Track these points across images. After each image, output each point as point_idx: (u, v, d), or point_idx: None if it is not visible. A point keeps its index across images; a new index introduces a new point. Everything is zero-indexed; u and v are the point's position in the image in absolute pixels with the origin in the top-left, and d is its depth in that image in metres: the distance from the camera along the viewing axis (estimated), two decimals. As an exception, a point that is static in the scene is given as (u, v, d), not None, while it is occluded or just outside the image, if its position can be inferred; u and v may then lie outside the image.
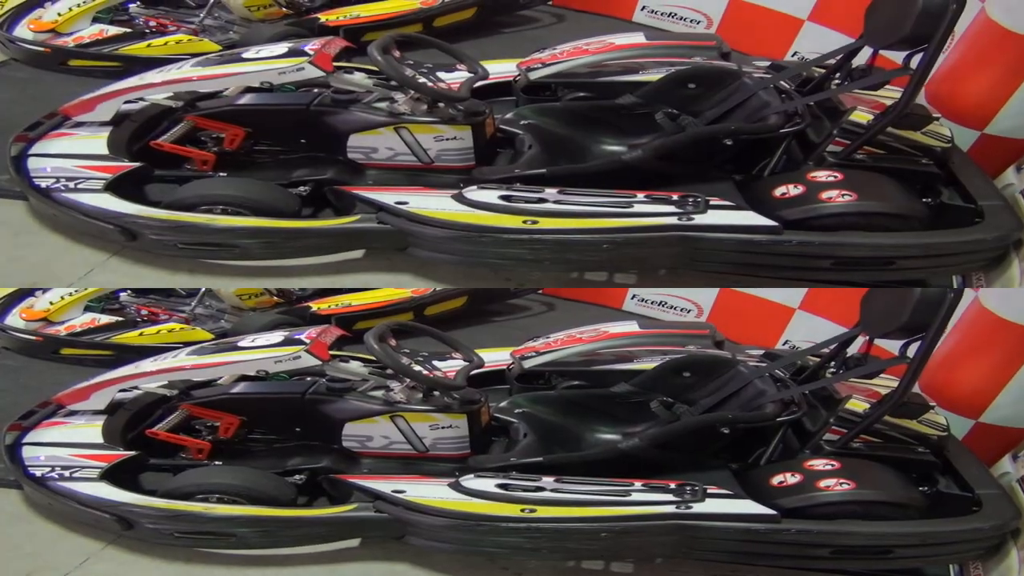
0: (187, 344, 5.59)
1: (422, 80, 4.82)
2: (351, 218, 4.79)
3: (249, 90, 4.94)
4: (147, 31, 5.74)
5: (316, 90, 4.93)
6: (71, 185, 4.85)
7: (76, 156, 4.91)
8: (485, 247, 4.70)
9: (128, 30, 5.72)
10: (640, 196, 4.71)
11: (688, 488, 4.69)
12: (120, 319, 6.00)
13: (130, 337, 5.93)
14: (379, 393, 4.95)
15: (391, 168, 4.87)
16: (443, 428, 4.89)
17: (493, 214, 4.67)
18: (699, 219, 4.64)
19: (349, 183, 4.88)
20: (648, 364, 5.22)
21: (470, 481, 4.78)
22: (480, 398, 4.97)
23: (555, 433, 5.06)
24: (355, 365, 5.03)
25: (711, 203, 4.69)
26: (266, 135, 4.98)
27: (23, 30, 5.73)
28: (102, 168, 4.87)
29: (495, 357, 5.39)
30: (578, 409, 5.14)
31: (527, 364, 5.27)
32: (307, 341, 4.89)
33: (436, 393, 4.90)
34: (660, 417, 5.01)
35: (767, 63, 5.14)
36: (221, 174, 4.97)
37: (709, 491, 4.69)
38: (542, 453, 4.91)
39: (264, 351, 4.91)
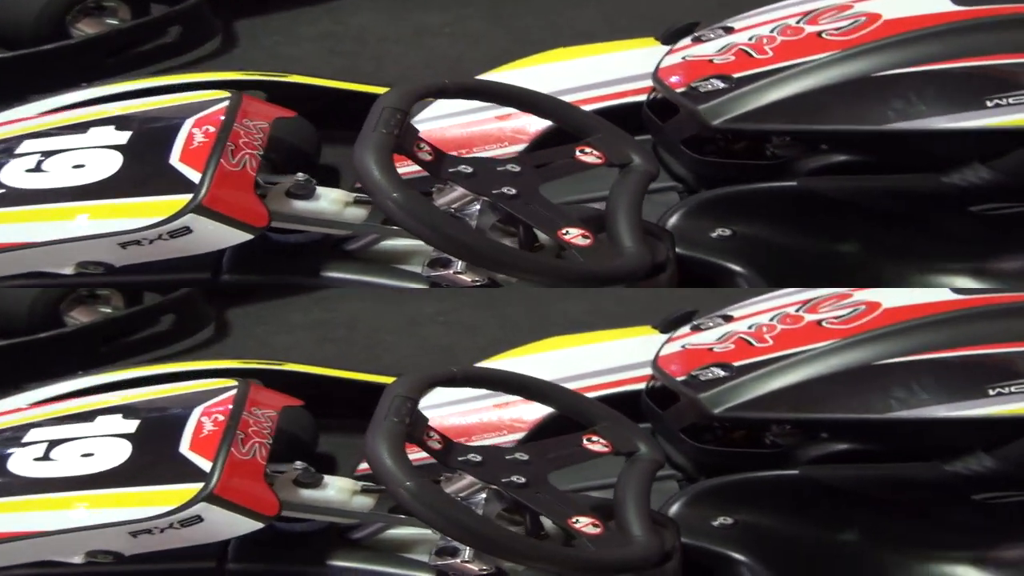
0: None
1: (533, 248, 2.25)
2: None
3: None
4: None
5: None
6: None
7: None
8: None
9: None
10: None
11: None
12: None
13: None
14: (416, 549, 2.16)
15: None
16: None
17: None
18: None
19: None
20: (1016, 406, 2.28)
21: None
22: (675, 545, 2.14)
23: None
24: (341, 485, 2.16)
25: None
26: None
27: None
28: None
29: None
30: (859, 517, 2.25)
31: (719, 408, 2.29)
32: (204, 465, 2.04)
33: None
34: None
35: None
36: None
37: None
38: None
39: (91, 497, 2.06)
